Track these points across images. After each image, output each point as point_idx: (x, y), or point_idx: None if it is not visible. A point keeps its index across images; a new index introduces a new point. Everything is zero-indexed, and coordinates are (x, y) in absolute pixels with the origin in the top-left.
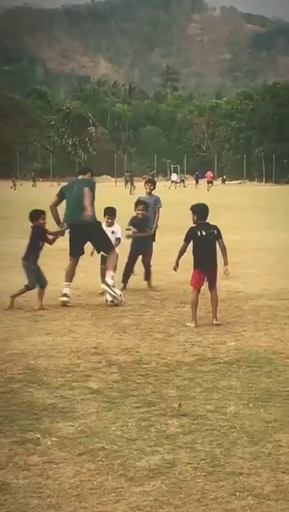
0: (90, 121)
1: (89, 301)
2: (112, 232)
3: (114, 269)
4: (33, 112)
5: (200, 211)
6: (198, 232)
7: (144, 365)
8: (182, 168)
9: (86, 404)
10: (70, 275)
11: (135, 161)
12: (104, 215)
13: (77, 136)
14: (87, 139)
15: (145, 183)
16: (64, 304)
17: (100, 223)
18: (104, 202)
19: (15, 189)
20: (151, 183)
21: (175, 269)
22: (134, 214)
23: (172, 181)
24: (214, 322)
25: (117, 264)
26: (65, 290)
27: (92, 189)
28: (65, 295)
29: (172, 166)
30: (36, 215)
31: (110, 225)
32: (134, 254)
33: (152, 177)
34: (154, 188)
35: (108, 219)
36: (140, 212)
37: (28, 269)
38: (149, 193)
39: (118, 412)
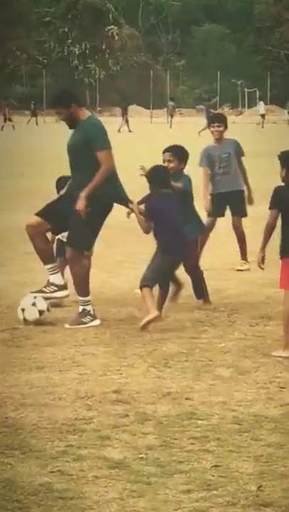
0: (110, 16)
1: (106, 313)
2: None
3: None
4: (16, 0)
5: None
6: None
7: (199, 421)
8: (263, 94)
9: (102, 485)
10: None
11: (184, 81)
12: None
13: (88, 40)
14: (104, 46)
15: (209, 122)
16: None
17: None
18: (137, 150)
19: (1, 129)
20: (221, 120)
21: (260, 264)
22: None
23: (260, 115)
24: None
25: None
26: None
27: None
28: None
29: (246, 89)
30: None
31: None
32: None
33: (210, 106)
34: (226, 129)
35: None
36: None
37: None
38: (219, 139)
39: (156, 499)
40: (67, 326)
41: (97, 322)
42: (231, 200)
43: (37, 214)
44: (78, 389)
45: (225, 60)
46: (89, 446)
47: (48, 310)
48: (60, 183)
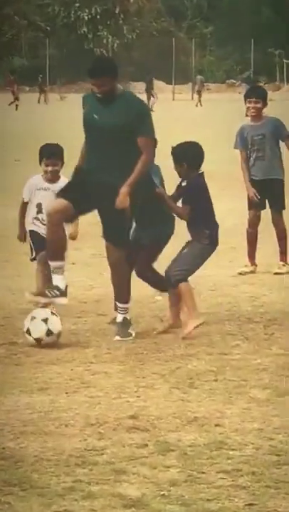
0: None
1: None
2: None
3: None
4: None
5: None
6: None
7: (230, 452)
8: None
9: None
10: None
11: (212, 52)
12: (42, 159)
13: (98, 4)
14: (117, 10)
15: (245, 96)
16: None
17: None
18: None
19: (16, 108)
20: (259, 95)
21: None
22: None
23: None
24: None
25: None
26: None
27: None
28: None
29: (285, 61)
30: None
31: (52, 179)
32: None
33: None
34: (266, 105)
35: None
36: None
37: None
38: (256, 116)
39: None
40: (118, 338)
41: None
42: (266, 190)
43: (62, 196)
44: (88, 414)
45: (260, 26)
46: (101, 481)
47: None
48: (45, 151)
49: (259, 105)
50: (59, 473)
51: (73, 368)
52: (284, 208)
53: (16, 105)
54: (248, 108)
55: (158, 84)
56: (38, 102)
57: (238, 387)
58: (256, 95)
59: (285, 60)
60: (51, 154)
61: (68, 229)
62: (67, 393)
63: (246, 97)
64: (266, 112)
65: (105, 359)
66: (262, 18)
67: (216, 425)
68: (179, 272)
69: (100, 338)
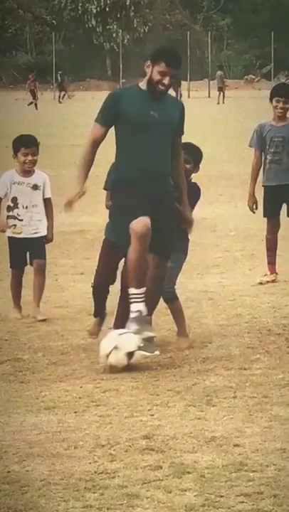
0: None
1: None
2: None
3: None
4: None
5: None
6: None
7: (251, 474)
8: None
9: None
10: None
11: (230, 45)
12: (20, 150)
13: None
14: (128, 2)
15: (272, 94)
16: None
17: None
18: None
19: (36, 107)
20: (287, 94)
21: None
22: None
23: None
24: None
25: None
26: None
27: None
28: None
29: None
30: None
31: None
32: None
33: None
34: None
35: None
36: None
37: None
38: (282, 117)
39: None
40: (157, 352)
41: None
42: (283, 195)
43: (140, 213)
44: (98, 434)
45: (281, 17)
46: (113, 506)
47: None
48: (23, 141)
49: (288, 105)
50: (68, 498)
51: (82, 385)
52: None
53: (36, 104)
54: (275, 107)
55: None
56: (60, 100)
57: (259, 404)
58: (285, 94)
59: None
60: (30, 143)
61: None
62: (76, 412)
63: (274, 94)
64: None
65: (116, 376)
66: (283, 9)
67: (235, 445)
68: (170, 287)
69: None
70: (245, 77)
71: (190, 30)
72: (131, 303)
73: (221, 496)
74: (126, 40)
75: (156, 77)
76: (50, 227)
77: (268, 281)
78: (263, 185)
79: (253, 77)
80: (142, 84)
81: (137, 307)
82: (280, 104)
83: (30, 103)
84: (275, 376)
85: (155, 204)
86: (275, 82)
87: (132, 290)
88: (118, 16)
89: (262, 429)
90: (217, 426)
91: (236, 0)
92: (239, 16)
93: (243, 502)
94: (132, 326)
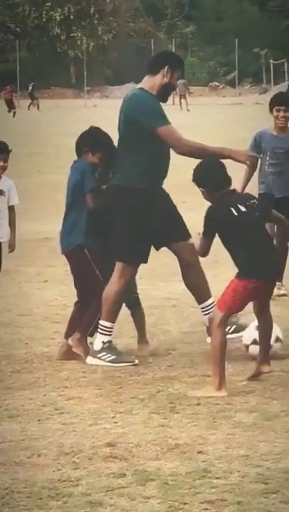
0: None
1: None
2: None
3: None
4: None
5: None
6: (234, 210)
7: (214, 481)
8: None
9: None
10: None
11: (194, 52)
12: None
13: (72, 3)
14: (92, 10)
15: (272, 104)
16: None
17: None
18: None
19: (14, 115)
20: (288, 102)
21: None
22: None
23: None
24: (267, 369)
25: None
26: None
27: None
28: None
29: (272, 61)
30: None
31: None
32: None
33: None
34: None
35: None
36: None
37: None
38: (284, 127)
39: None
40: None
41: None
42: (283, 207)
43: (142, 257)
44: (62, 442)
45: (244, 24)
46: None
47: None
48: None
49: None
50: (31, 507)
51: (46, 393)
52: None
53: (14, 112)
54: (276, 117)
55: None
56: (28, 108)
57: (222, 412)
58: (286, 103)
59: (271, 61)
60: (2, 150)
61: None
62: (39, 420)
63: (274, 104)
64: (252, 116)
65: (80, 383)
66: (247, 16)
67: (199, 452)
68: (136, 293)
69: (74, 360)
70: (210, 84)
71: (154, 37)
72: (100, 333)
73: (185, 503)
74: (90, 47)
75: (175, 82)
76: (12, 235)
77: None
78: (259, 194)
79: (218, 84)
80: (150, 89)
81: (106, 339)
82: (281, 113)
83: (10, 111)
84: (238, 383)
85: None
86: (239, 89)
87: (105, 323)
88: (82, 23)
89: (225, 436)
90: (181, 433)
91: (200, 7)
92: (203, 23)
93: (206, 509)
94: (109, 357)
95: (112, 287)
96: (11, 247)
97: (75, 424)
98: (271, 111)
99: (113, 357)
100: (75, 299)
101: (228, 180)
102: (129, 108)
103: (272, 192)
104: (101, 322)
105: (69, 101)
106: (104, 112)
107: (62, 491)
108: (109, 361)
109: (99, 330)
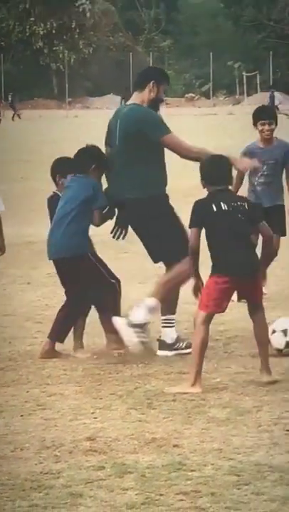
0: None
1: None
2: None
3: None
4: None
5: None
6: (214, 207)
7: (189, 473)
8: (265, 78)
9: None
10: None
11: (171, 65)
12: None
13: (54, 18)
14: (74, 25)
15: (255, 118)
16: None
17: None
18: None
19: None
20: (272, 116)
21: (195, 290)
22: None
23: (275, 106)
24: (265, 379)
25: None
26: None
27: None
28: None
29: (245, 73)
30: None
31: None
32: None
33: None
34: (276, 126)
35: None
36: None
37: None
38: (269, 139)
39: None
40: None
41: None
42: (272, 216)
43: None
44: (44, 437)
45: (219, 39)
46: (57, 505)
47: None
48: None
49: (273, 127)
50: (14, 498)
51: (29, 389)
52: (285, 235)
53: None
54: (261, 131)
55: (115, 99)
56: (12, 119)
57: (197, 407)
58: (269, 116)
59: (244, 73)
60: None
61: None
62: (22, 416)
63: (257, 118)
64: (226, 125)
65: (62, 380)
66: (221, 31)
67: (175, 446)
68: None
69: (55, 358)
70: (186, 95)
71: (132, 51)
72: (170, 327)
73: (161, 495)
74: (72, 60)
75: (162, 95)
76: (0, 240)
77: None
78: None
79: (193, 95)
80: (141, 104)
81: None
82: (266, 127)
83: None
84: (212, 380)
85: None
86: (214, 100)
87: (171, 316)
88: (64, 37)
89: (200, 430)
90: (157, 428)
91: (176, 23)
92: (179, 37)
93: (181, 500)
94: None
95: (175, 278)
96: (2, 251)
97: (57, 419)
98: (255, 124)
99: (185, 344)
100: (57, 300)
101: (226, 179)
102: (131, 122)
103: (260, 201)
104: (169, 316)
105: (51, 111)
106: (85, 121)
107: (44, 483)
108: (185, 347)
109: (168, 324)
